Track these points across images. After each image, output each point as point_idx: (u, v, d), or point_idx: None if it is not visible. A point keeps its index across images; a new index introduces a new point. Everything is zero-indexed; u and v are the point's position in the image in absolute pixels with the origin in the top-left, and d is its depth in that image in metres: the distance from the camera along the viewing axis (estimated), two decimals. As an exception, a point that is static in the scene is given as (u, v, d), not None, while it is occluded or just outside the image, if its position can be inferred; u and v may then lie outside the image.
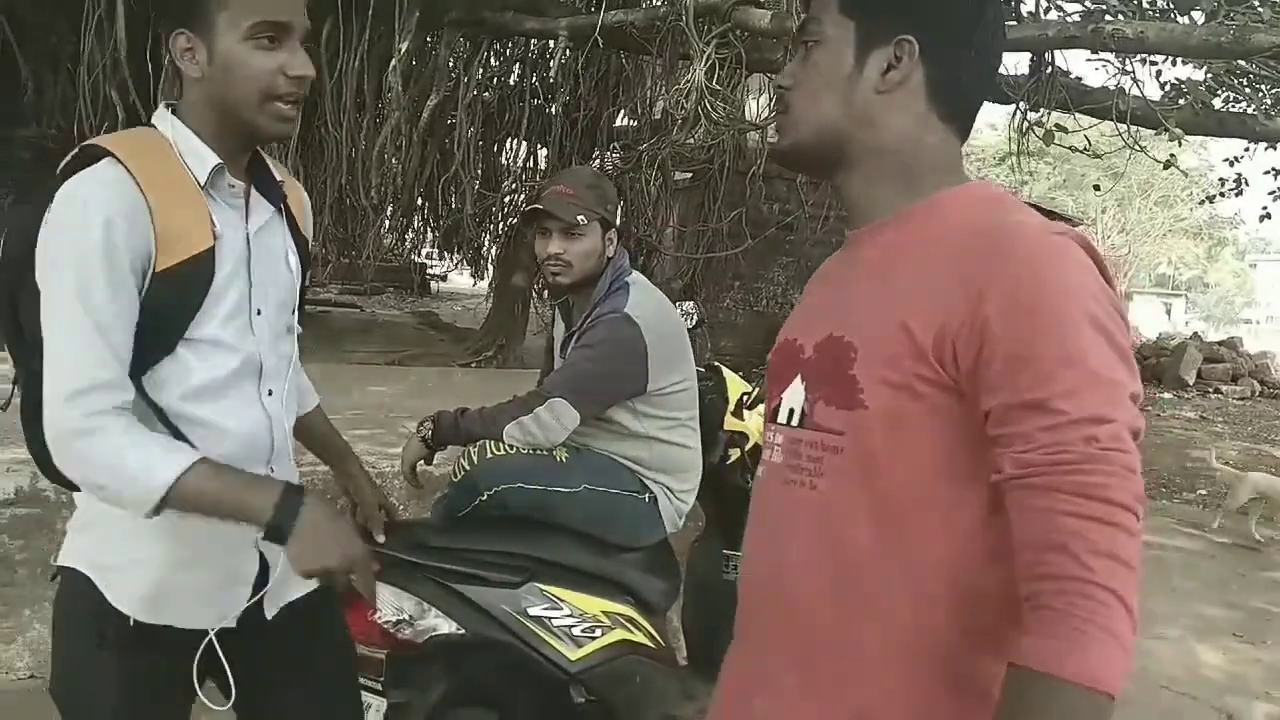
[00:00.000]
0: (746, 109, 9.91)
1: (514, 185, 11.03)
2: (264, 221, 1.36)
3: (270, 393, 1.36)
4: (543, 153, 10.85)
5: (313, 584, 1.31)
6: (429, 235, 12.45)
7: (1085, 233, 0.95)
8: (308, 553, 1.21)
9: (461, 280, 14.98)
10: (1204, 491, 7.66)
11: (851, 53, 1.01)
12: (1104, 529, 0.82)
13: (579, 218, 2.13)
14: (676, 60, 7.87)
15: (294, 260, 1.41)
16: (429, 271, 20.08)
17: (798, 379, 1.03)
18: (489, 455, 2.03)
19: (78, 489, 1.29)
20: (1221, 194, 13.90)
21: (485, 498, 1.99)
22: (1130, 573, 0.82)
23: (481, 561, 1.94)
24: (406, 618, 1.83)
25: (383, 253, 12.31)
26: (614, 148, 10.81)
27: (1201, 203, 18.03)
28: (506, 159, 11.76)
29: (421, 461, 2.15)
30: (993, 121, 24.55)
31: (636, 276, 2.24)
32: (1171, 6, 5.30)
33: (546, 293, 2.37)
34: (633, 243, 11.07)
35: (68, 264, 1.18)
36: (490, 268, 11.62)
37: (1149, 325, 26.05)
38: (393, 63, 7.66)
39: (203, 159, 1.26)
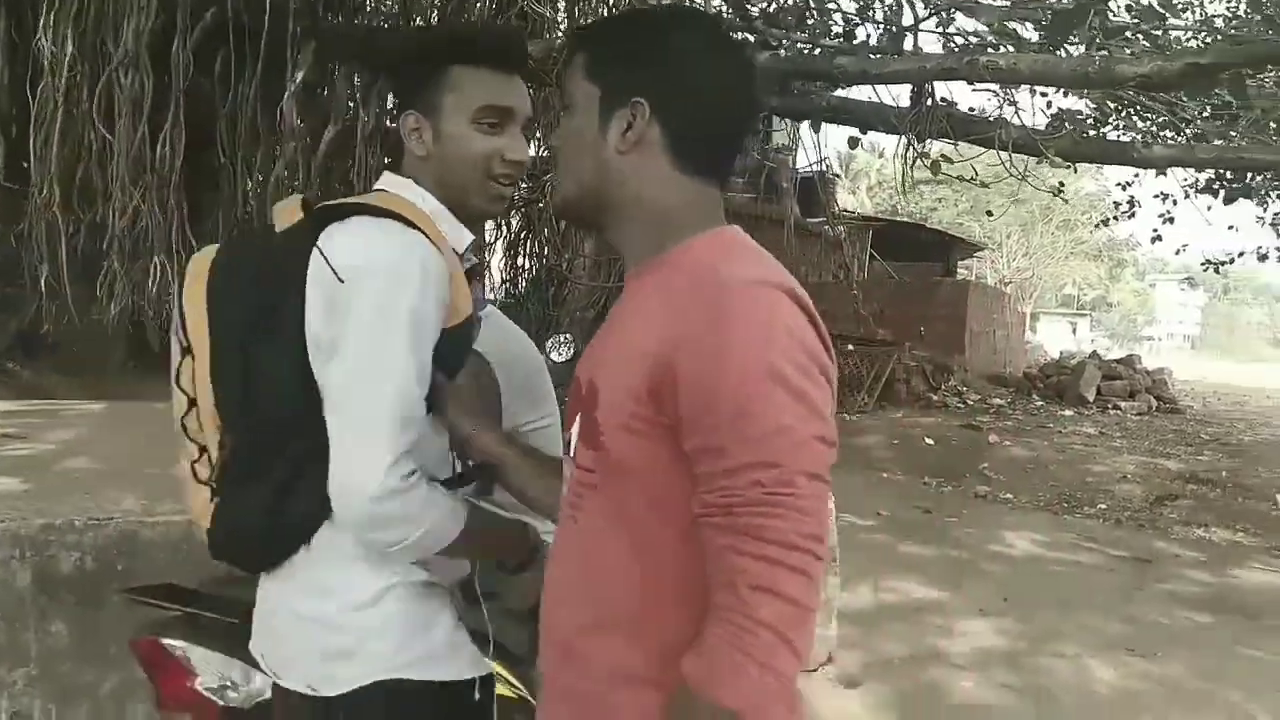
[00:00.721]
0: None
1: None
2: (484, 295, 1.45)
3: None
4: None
5: None
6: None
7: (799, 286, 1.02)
8: (536, 586, 1.26)
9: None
10: (1104, 506, 7.87)
11: (596, 116, 1.09)
12: (764, 567, 0.90)
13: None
14: (578, 90, 7.91)
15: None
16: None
17: (577, 417, 1.10)
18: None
19: (256, 571, 1.34)
20: (1115, 217, 14.56)
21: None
22: (789, 605, 0.91)
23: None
24: (230, 683, 1.69)
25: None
26: (523, 176, 10.78)
27: (1097, 226, 18.81)
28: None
29: None
30: (882, 150, 25.29)
31: (490, 310, 2.15)
32: (1047, 39, 5.49)
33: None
34: (543, 272, 11.01)
35: (392, 325, 1.18)
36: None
37: (1055, 344, 26.99)
38: (287, 93, 7.49)
39: (460, 231, 1.34)
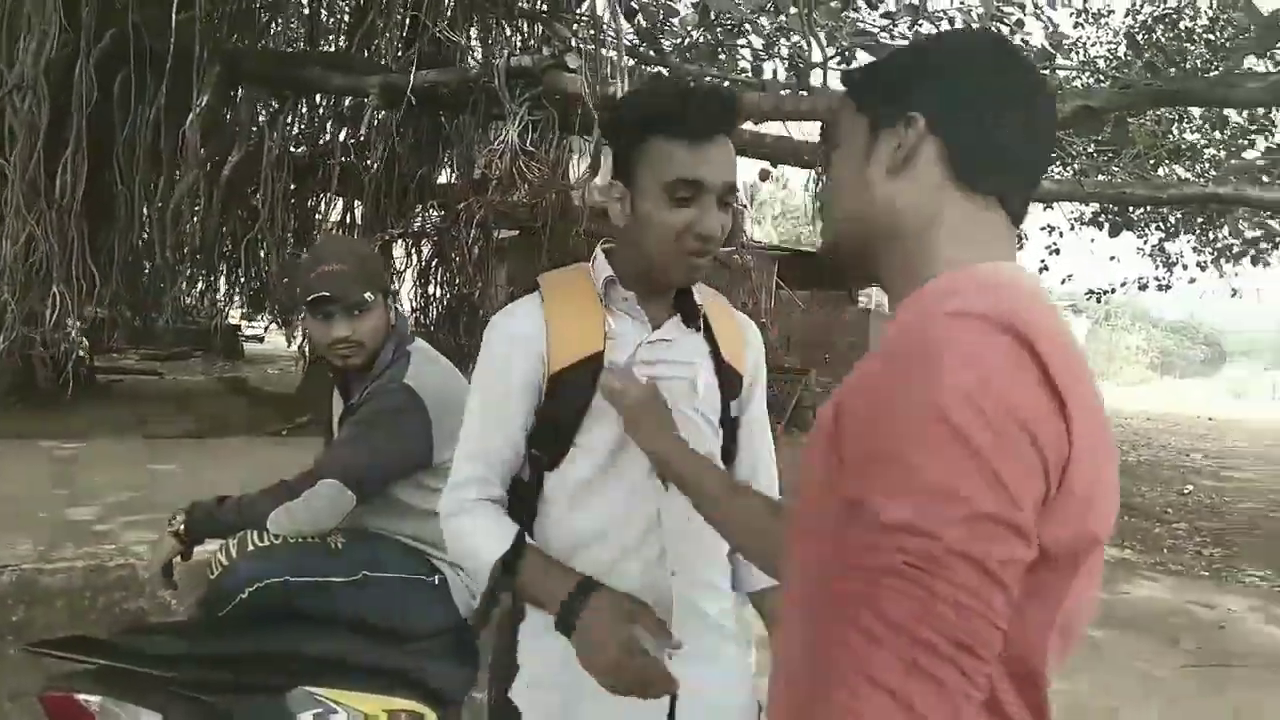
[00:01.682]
0: (570, 170, 10.01)
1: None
2: (670, 337, 1.44)
3: (668, 485, 1.35)
4: (359, 209, 10.55)
5: None
6: (236, 296, 11.81)
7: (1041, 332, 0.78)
8: (584, 649, 1.25)
9: (278, 342, 14.25)
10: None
11: (864, 144, 0.97)
12: (888, 660, 0.70)
13: (366, 295, 2.01)
14: (490, 121, 7.87)
15: (704, 379, 1.45)
16: (241, 333, 19.04)
17: None
18: (250, 547, 1.85)
19: None
20: (1005, 249, 15.28)
21: (246, 595, 1.80)
22: (901, 709, 0.69)
23: (241, 668, 1.75)
24: (148, 738, 1.62)
25: (184, 315, 11.54)
26: (433, 205, 10.65)
27: (989, 257, 19.61)
28: (320, 215, 11.37)
29: (178, 559, 1.94)
30: (786, 181, 26.00)
31: (419, 344, 2.14)
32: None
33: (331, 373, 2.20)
34: (455, 301, 10.90)
35: (477, 380, 1.45)
36: (302, 328, 11.13)
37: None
38: (190, 116, 7.28)
39: (599, 273, 1.42)
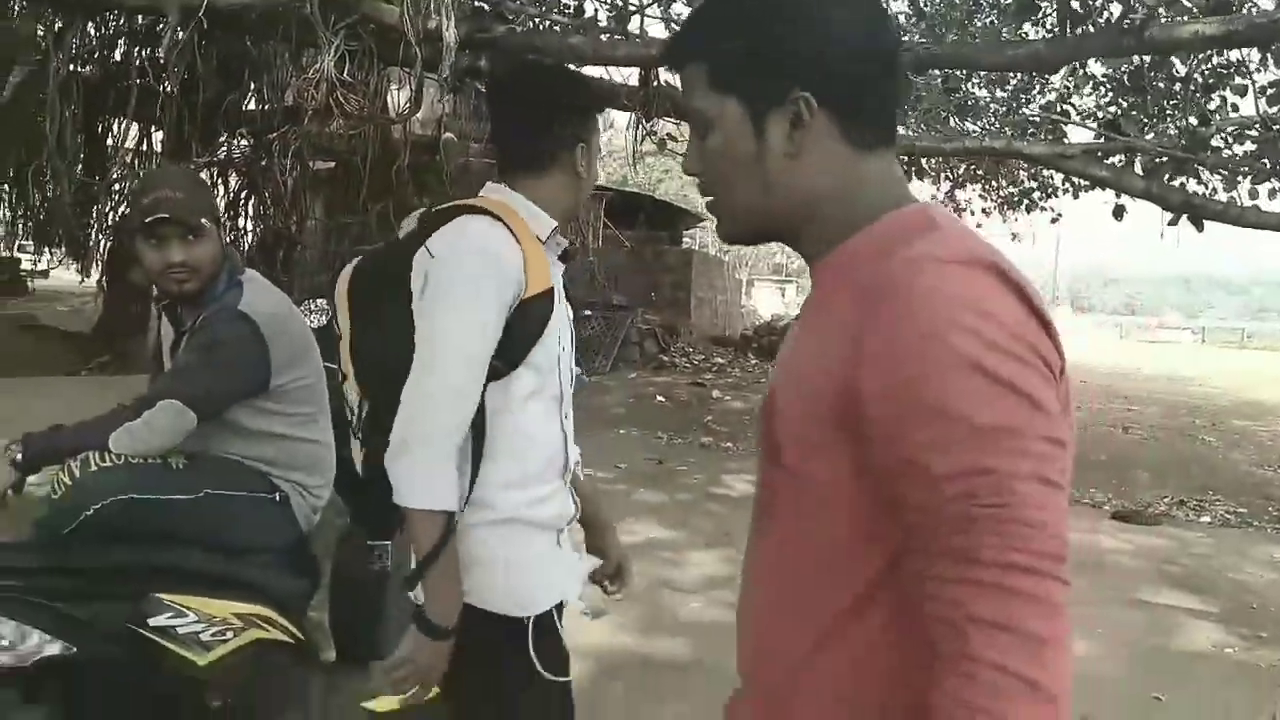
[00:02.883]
0: (388, 101, 9.76)
1: (124, 171, 9.96)
2: (562, 275, 1.68)
3: (567, 416, 1.67)
4: (158, 136, 9.90)
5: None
6: (20, 228, 10.86)
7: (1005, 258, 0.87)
8: (418, 649, 1.48)
9: (67, 277, 13.18)
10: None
11: (747, 128, 0.95)
12: (987, 595, 0.75)
13: (201, 220, 2.08)
14: (302, 48, 7.58)
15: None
16: (23, 268, 17.43)
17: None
18: (93, 468, 1.91)
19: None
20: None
21: (91, 512, 1.88)
22: (1020, 639, 0.75)
23: (92, 577, 1.85)
24: (6, 643, 1.70)
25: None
26: (242, 133, 10.14)
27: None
28: (114, 142, 10.58)
29: (9, 491, 1.97)
30: (613, 121, 26.17)
31: (251, 274, 2.23)
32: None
33: (156, 298, 2.26)
34: (269, 235, 10.48)
35: (458, 301, 1.49)
36: (98, 263, 10.39)
37: (767, 308, 29.35)
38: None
39: (542, 221, 1.62)
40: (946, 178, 14.58)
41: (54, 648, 1.75)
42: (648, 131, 6.37)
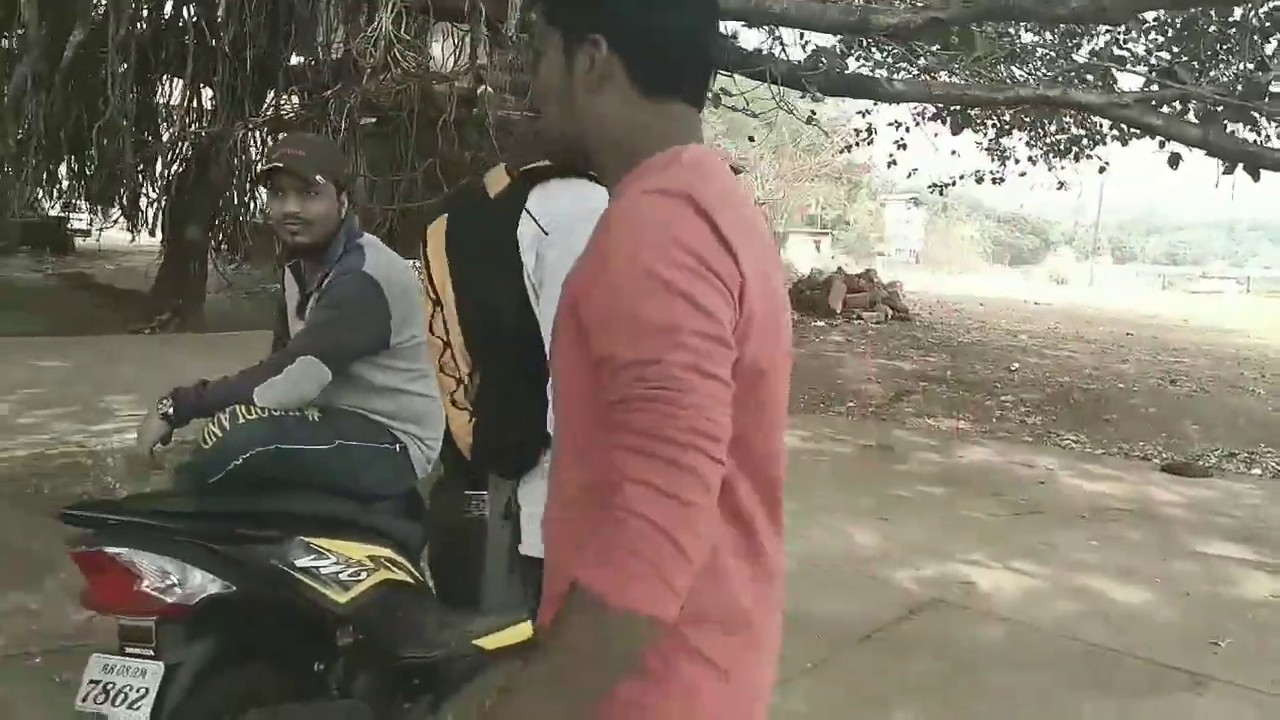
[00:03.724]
0: (432, 55, 9.79)
1: (179, 130, 10.11)
2: None
3: None
4: (207, 94, 10.01)
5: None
6: (77, 188, 11.08)
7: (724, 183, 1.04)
8: None
9: (117, 235, 13.42)
10: (851, 403, 8.98)
11: (562, 59, 1.11)
12: (645, 461, 0.90)
13: (317, 177, 2.20)
14: (359, 2, 7.63)
15: None
16: (69, 228, 17.77)
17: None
18: (240, 420, 2.06)
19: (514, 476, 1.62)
20: (856, 143, 15.99)
21: (240, 461, 2.03)
22: (669, 501, 0.89)
23: (244, 522, 2.00)
24: (173, 582, 1.86)
25: (8, 209, 10.77)
26: (292, 91, 10.22)
27: (841, 151, 20.27)
28: (164, 100, 10.72)
29: (159, 442, 2.13)
30: None
31: (369, 238, 2.35)
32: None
33: (279, 258, 2.41)
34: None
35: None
36: (155, 221, 10.59)
37: (802, 261, 29.14)
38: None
39: None
40: (993, 125, 14.35)
41: (215, 586, 1.91)
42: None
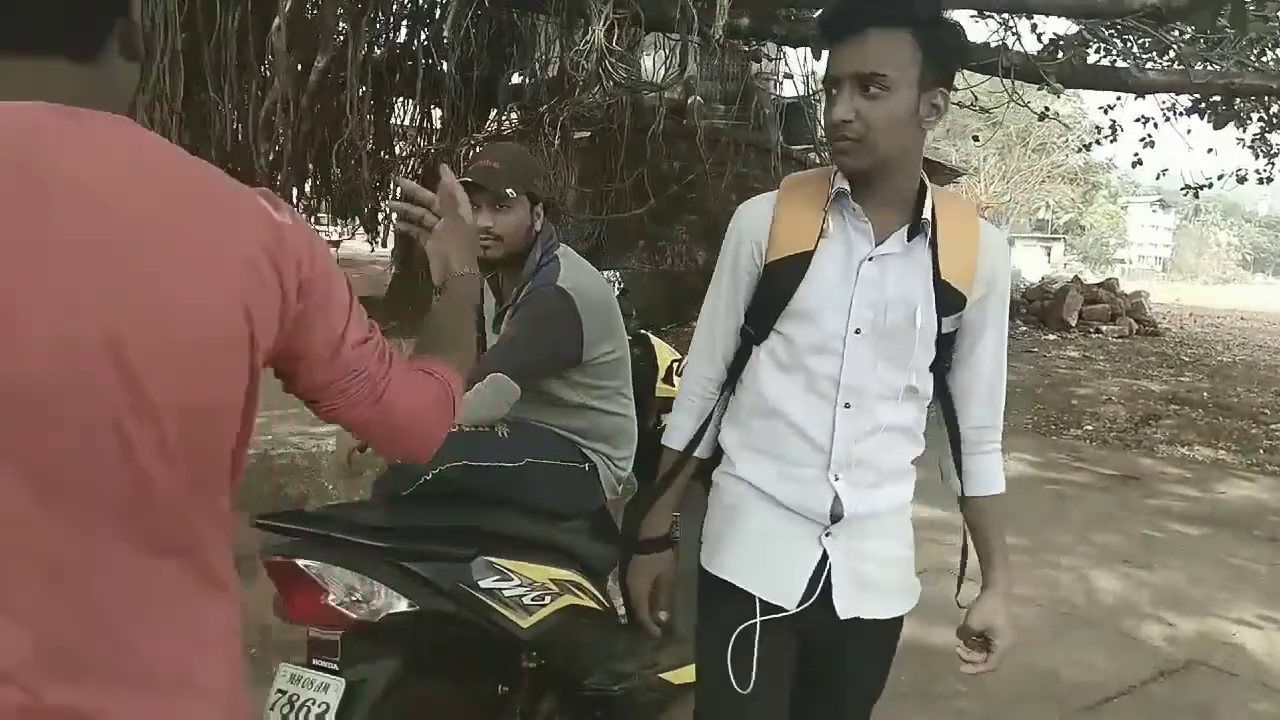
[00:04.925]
0: (642, 67, 9.87)
1: (410, 148, 10.77)
2: (893, 250, 1.44)
3: (848, 405, 1.46)
4: (436, 113, 10.59)
5: (896, 611, 1.57)
6: (321, 202, 12.05)
7: None
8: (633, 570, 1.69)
9: (356, 246, 14.58)
10: (1090, 427, 8.15)
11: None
12: None
13: (507, 191, 2.13)
14: (574, 19, 7.78)
15: (922, 310, 1.43)
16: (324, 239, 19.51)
17: None
18: (431, 434, 2.02)
19: None
20: (1098, 141, 14.67)
21: (430, 477, 1.99)
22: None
23: (431, 538, 1.95)
24: (359, 598, 1.83)
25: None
26: (512, 108, 10.63)
27: (1079, 150, 18.79)
28: (398, 121, 11.44)
29: (355, 450, 2.13)
30: None
31: (565, 250, 2.26)
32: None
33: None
34: (535, 206, 10.97)
35: (718, 263, 1.57)
36: (388, 234, 11.34)
37: (1031, 269, 27.25)
38: (275, 23, 7.34)
39: (837, 181, 1.45)
40: (1259, 118, 12.74)
41: (400, 604, 1.86)
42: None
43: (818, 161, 14.23)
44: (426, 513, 2.01)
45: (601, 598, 2.25)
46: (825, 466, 1.47)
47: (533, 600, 2.03)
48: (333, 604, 1.81)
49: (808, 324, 1.45)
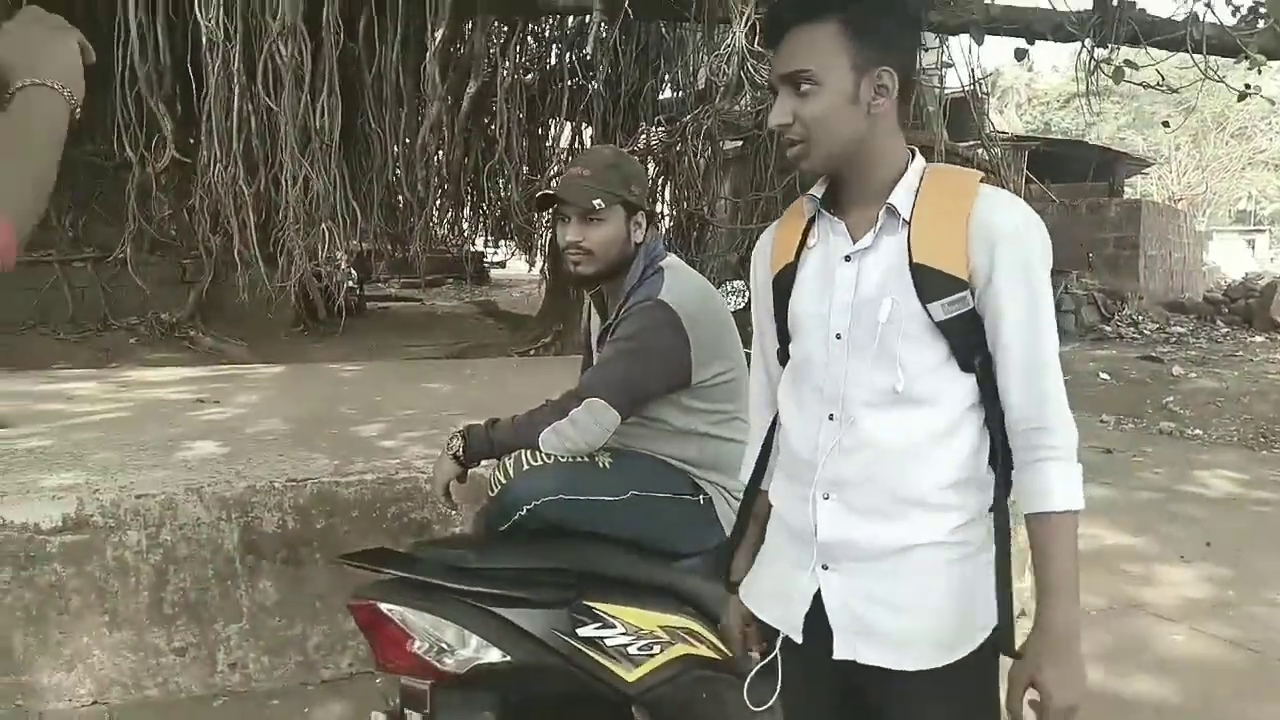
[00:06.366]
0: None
1: (559, 168, 10.90)
2: (868, 245, 1.33)
3: (832, 417, 1.34)
4: (588, 132, 10.68)
5: (918, 664, 1.29)
6: (481, 224, 12.40)
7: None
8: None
9: (519, 265, 15.02)
10: (1307, 440, 7.20)
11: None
12: None
13: (595, 202, 1.96)
14: (716, 24, 7.62)
15: (888, 303, 1.28)
16: (485, 260, 20.15)
17: None
18: (525, 466, 1.88)
19: None
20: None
21: (524, 512, 1.84)
22: None
23: (524, 581, 1.80)
24: (446, 646, 1.70)
25: (435, 244, 12.30)
26: (658, 121, 10.58)
27: (1285, 132, 17.05)
28: (551, 141, 11.62)
29: (454, 480, 2.02)
30: (1055, 63, 23.63)
31: (672, 260, 2.07)
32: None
33: (574, 284, 2.23)
34: (683, 217, 10.86)
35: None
36: (541, 253, 11.53)
37: (1233, 264, 24.82)
38: (429, 52, 7.55)
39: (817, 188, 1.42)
40: None
41: (490, 654, 1.72)
42: (1099, 62, 5.39)
43: (986, 159, 13.47)
44: (520, 552, 1.87)
45: (722, 645, 2.04)
46: (811, 484, 1.35)
47: (639, 650, 1.85)
48: (419, 652, 1.69)
49: (798, 335, 1.40)
